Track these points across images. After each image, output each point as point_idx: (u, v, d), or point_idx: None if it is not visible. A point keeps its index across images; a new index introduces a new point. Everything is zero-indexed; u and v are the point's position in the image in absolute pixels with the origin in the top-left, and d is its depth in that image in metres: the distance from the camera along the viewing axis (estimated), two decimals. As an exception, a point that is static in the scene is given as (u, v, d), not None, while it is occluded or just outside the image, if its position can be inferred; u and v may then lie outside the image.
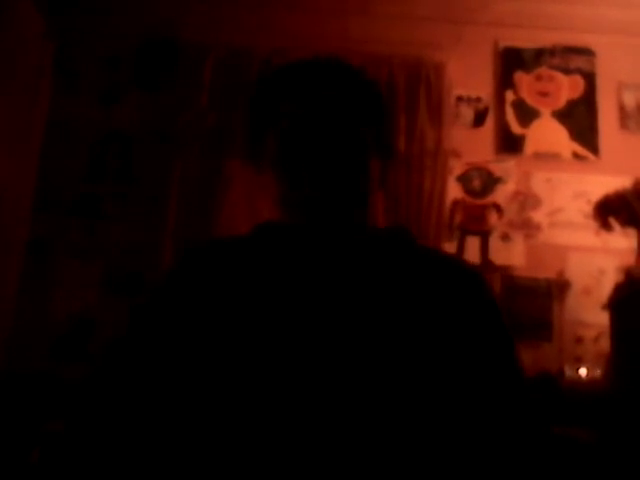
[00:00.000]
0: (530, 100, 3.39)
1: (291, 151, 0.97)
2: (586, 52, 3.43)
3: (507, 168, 3.30)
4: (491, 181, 3.28)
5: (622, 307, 2.52)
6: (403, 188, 3.14)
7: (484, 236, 3.21)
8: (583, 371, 2.75)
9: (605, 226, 2.70)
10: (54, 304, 3.08)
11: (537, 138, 3.35)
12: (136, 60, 3.38)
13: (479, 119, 3.37)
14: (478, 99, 3.38)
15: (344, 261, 0.97)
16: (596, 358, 2.93)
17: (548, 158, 3.33)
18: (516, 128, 3.36)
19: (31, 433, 2.29)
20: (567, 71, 3.43)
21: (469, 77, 3.37)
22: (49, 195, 3.19)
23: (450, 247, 3.15)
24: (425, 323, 0.93)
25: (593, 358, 2.95)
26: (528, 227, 3.23)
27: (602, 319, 2.71)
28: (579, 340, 3.06)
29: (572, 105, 3.39)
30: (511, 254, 3.18)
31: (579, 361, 2.95)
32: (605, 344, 2.75)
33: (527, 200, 3.26)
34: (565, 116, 3.37)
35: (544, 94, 3.41)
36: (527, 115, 3.37)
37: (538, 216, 3.25)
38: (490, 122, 3.36)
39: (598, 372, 2.72)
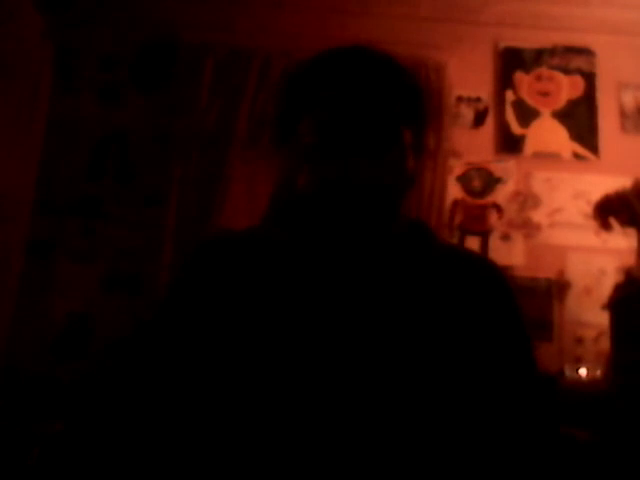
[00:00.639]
0: (530, 100, 3.39)
1: (330, 140, 0.92)
2: (586, 52, 3.43)
3: (507, 168, 3.30)
4: (491, 181, 3.28)
5: (622, 307, 2.52)
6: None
7: (484, 236, 3.21)
8: (583, 371, 2.75)
9: (605, 226, 2.70)
10: (54, 304, 3.07)
11: (537, 138, 3.34)
12: (136, 60, 3.37)
13: (479, 119, 3.37)
14: (478, 99, 3.38)
15: (365, 257, 0.96)
16: (596, 358, 2.93)
17: (548, 158, 3.33)
18: (516, 128, 3.35)
19: (30, 433, 2.29)
20: (567, 71, 3.43)
21: (469, 77, 3.37)
22: (49, 195, 3.19)
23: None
24: (442, 318, 0.92)
25: (593, 358, 2.95)
26: (528, 227, 3.23)
27: (602, 319, 2.71)
28: (579, 340, 3.06)
29: (572, 105, 3.38)
30: (511, 254, 3.18)
31: (579, 361, 2.95)
32: (605, 344, 2.75)
33: (527, 200, 3.26)
34: (565, 116, 3.37)
35: (544, 94, 3.40)
36: (527, 115, 3.37)
37: (538, 216, 3.24)
38: (490, 122, 3.36)
39: (598, 372, 2.72)
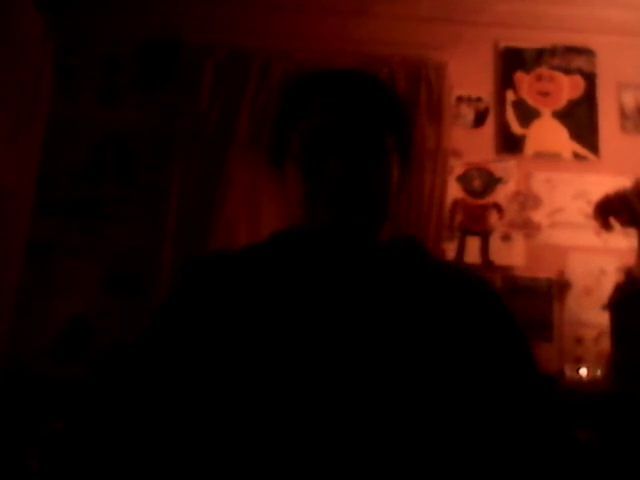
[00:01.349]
0: (530, 100, 3.39)
1: (315, 149, 0.98)
2: (586, 52, 3.43)
3: (507, 168, 3.29)
4: (491, 181, 3.28)
5: (622, 307, 2.52)
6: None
7: (484, 236, 3.21)
8: (583, 371, 2.74)
9: (605, 226, 2.70)
10: (54, 305, 3.07)
11: (537, 138, 3.34)
12: (136, 61, 3.37)
13: (479, 119, 3.37)
14: (478, 99, 3.38)
15: (358, 274, 0.98)
16: (596, 358, 2.92)
17: (548, 158, 3.32)
18: (516, 128, 3.35)
19: (31, 434, 2.29)
20: (567, 71, 3.42)
21: (469, 77, 3.37)
22: (49, 196, 3.19)
23: (450, 247, 3.15)
24: (436, 330, 0.93)
25: (593, 358, 2.95)
26: (528, 227, 3.23)
27: (602, 319, 2.71)
28: (579, 340, 3.06)
29: (572, 105, 3.38)
30: (511, 254, 3.18)
31: (579, 361, 2.95)
32: (605, 344, 2.75)
33: (527, 200, 3.26)
34: (565, 116, 3.37)
35: (544, 94, 3.40)
36: (527, 115, 3.37)
37: (538, 216, 3.24)
38: (490, 122, 3.36)
39: (598, 372, 2.72)
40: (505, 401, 0.93)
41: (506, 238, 3.21)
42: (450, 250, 3.13)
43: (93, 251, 3.13)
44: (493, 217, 3.24)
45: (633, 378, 2.31)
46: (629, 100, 3.38)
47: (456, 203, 3.25)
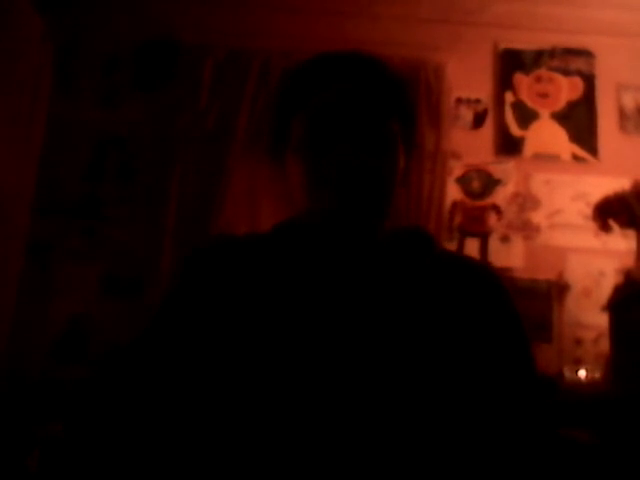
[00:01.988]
0: (529, 102, 3.39)
1: (320, 134, 0.95)
2: (585, 54, 3.43)
3: (506, 169, 3.30)
4: (490, 182, 3.28)
5: (621, 308, 2.52)
6: (402, 189, 3.14)
7: (483, 238, 3.21)
8: (582, 373, 2.75)
9: (604, 228, 2.70)
10: (54, 305, 3.07)
11: (536, 140, 3.35)
12: (136, 61, 3.38)
13: (478, 120, 3.37)
14: (477, 101, 3.38)
15: (362, 264, 0.97)
16: (596, 360, 2.93)
17: (547, 159, 3.33)
18: (515, 130, 3.36)
19: (30, 435, 2.29)
20: (566, 73, 3.43)
21: (468, 79, 3.37)
22: (49, 196, 3.18)
23: (449, 248, 3.15)
24: (439, 322, 0.92)
25: (593, 359, 2.95)
26: (527, 229, 3.23)
27: (601, 320, 2.71)
28: (578, 341, 3.06)
29: (571, 107, 3.39)
30: (510, 256, 3.18)
31: (578, 363, 2.95)
32: (605, 346, 2.75)
33: (526, 202, 3.26)
34: (564, 118, 3.37)
35: (543, 96, 3.41)
36: (526, 117, 3.37)
37: (537, 218, 3.25)
38: (489, 124, 3.37)
39: (597, 374, 2.72)
40: (494, 397, 0.92)
41: (505, 239, 3.22)
42: (449, 251, 3.13)
43: (93, 251, 3.13)
44: (492, 218, 3.24)
45: (632, 379, 2.31)
46: (628, 101, 3.39)
47: (455, 204, 3.25)
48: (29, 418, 2.49)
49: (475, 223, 3.23)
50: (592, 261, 3.16)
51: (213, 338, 0.92)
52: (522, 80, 3.42)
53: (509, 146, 3.34)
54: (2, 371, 2.85)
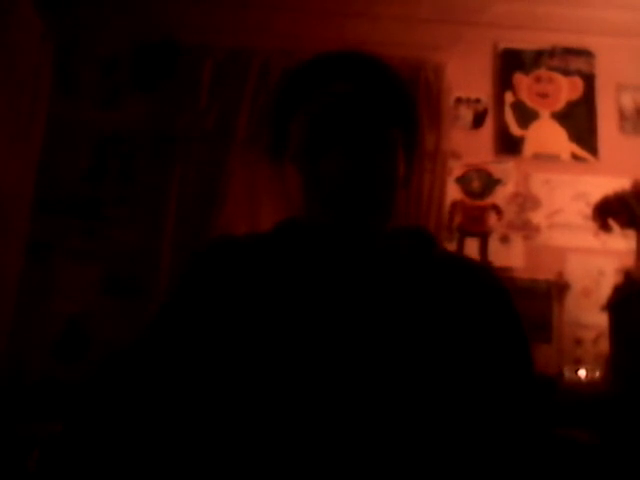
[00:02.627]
0: (529, 101, 3.39)
1: (317, 138, 0.93)
2: (585, 54, 3.43)
3: (506, 169, 3.30)
4: (490, 182, 3.28)
5: (621, 308, 2.52)
6: (402, 193, 3.14)
7: (483, 237, 3.21)
8: (582, 372, 2.75)
9: (604, 227, 2.70)
10: (54, 305, 3.07)
11: (536, 139, 3.35)
12: (135, 61, 3.38)
13: (478, 120, 3.37)
14: (477, 100, 3.38)
15: (364, 265, 0.96)
16: (595, 359, 2.93)
17: (547, 159, 3.33)
18: (515, 129, 3.36)
19: (30, 435, 2.29)
20: (566, 72, 3.43)
21: (468, 78, 3.37)
22: (49, 196, 3.18)
23: (449, 248, 3.15)
24: (439, 322, 0.92)
25: (592, 359, 2.95)
26: (527, 228, 3.23)
27: (601, 320, 2.71)
28: (578, 341, 3.06)
29: (571, 106, 3.39)
30: (510, 255, 3.18)
31: (578, 362, 2.95)
32: (604, 345, 2.75)
33: (526, 201, 3.26)
34: (564, 117, 3.37)
35: (543, 95, 3.41)
36: (526, 116, 3.37)
37: (537, 217, 3.25)
38: (489, 123, 3.37)
39: (597, 373, 2.72)
40: (492, 398, 0.92)
41: (505, 239, 3.22)
42: (449, 251, 3.13)
43: (93, 251, 3.13)
44: (492, 218, 3.24)
45: (632, 379, 2.31)
46: (628, 101, 3.39)
47: (455, 204, 3.25)
48: (29, 418, 2.49)
49: (475, 223, 3.23)
50: (592, 261, 3.16)
51: (213, 340, 0.92)
52: (522, 80, 3.42)
53: (509, 146, 3.34)
54: (2, 371, 2.85)
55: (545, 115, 3.38)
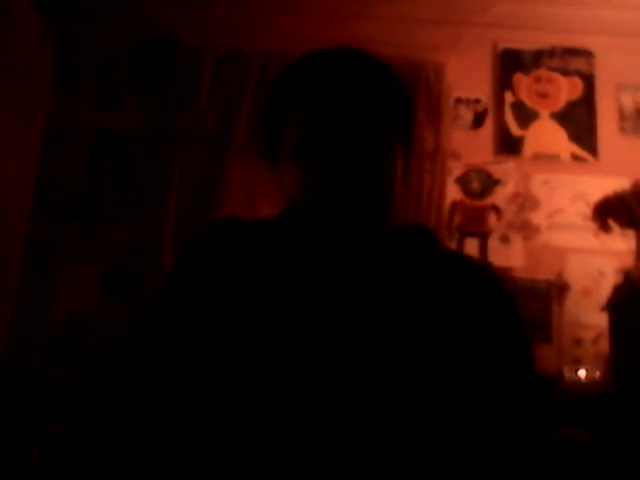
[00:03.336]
0: (529, 102, 3.39)
1: (313, 136, 0.93)
2: (585, 54, 3.43)
3: (506, 170, 3.30)
4: (490, 183, 3.28)
5: (621, 308, 2.52)
6: (402, 189, 3.14)
7: (483, 238, 3.21)
8: (582, 372, 2.75)
9: (604, 228, 2.70)
10: (53, 305, 3.07)
11: (536, 140, 3.35)
12: (135, 61, 3.38)
13: (478, 120, 3.37)
14: (477, 101, 3.38)
15: (364, 260, 0.96)
16: (595, 359, 2.93)
17: (547, 160, 3.33)
18: (515, 129, 3.36)
19: (30, 435, 2.29)
20: (566, 73, 3.43)
21: (468, 79, 3.37)
22: (48, 196, 3.18)
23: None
24: (438, 320, 0.92)
25: (592, 359, 2.95)
26: (527, 229, 3.23)
27: (601, 320, 2.71)
28: (578, 341, 3.06)
29: (571, 107, 3.39)
30: (510, 256, 3.18)
31: (578, 362, 2.95)
32: (604, 345, 2.75)
33: (526, 202, 3.26)
34: (564, 118, 3.37)
35: (543, 96, 3.41)
36: (526, 116, 3.37)
37: (537, 218, 3.25)
38: (489, 123, 3.37)
39: (597, 373, 2.72)
40: (492, 398, 0.92)
41: (505, 239, 3.22)
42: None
43: (92, 251, 3.13)
44: (492, 218, 3.24)
45: (632, 379, 2.31)
46: (628, 101, 3.39)
47: (455, 204, 3.25)
48: (29, 418, 2.49)
49: (475, 223, 3.23)
50: (592, 261, 3.16)
51: (208, 334, 0.92)
52: (522, 80, 3.42)
53: (509, 146, 3.34)
54: (2, 371, 2.85)
55: (545, 115, 3.38)
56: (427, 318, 0.92)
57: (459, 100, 3.37)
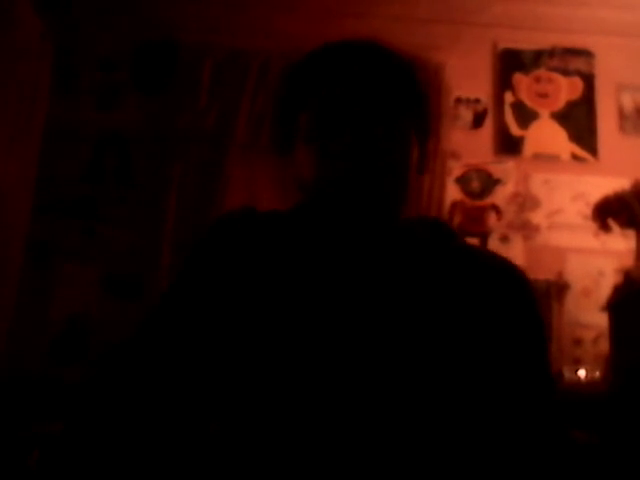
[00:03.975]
0: (529, 101, 3.39)
1: (330, 123, 0.94)
2: (585, 54, 3.43)
3: (506, 169, 3.30)
4: (490, 182, 3.28)
5: (621, 308, 2.52)
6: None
7: (483, 238, 3.21)
8: (582, 372, 2.74)
9: (604, 228, 2.69)
10: (53, 305, 3.07)
11: (536, 139, 3.35)
12: (135, 61, 3.38)
13: (478, 120, 3.37)
14: (477, 100, 3.38)
15: (381, 252, 0.95)
16: (595, 359, 2.93)
17: (547, 159, 3.33)
18: (515, 129, 3.36)
19: (30, 435, 2.28)
20: (566, 73, 3.43)
21: (468, 78, 3.37)
22: (48, 196, 3.18)
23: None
24: (450, 317, 0.91)
25: (592, 359, 2.95)
26: (527, 228, 3.23)
27: (601, 320, 2.71)
28: (578, 342, 3.06)
29: (571, 106, 3.39)
30: (510, 256, 3.13)
31: (578, 362, 2.95)
32: (604, 346, 2.75)
33: (526, 201, 3.26)
34: (564, 117, 3.37)
35: (543, 95, 3.41)
36: (526, 116, 3.37)
37: (537, 217, 3.25)
38: (489, 123, 3.37)
39: (597, 373, 2.72)
40: (504, 397, 0.91)
41: (505, 239, 3.22)
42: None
43: (92, 251, 3.13)
44: (492, 218, 3.24)
45: (632, 379, 2.31)
46: (628, 101, 3.39)
47: (455, 204, 3.25)
48: (29, 418, 2.49)
49: (475, 223, 3.23)
50: (592, 261, 3.16)
51: (215, 333, 0.91)
52: (522, 80, 3.42)
53: (509, 146, 3.34)
54: (2, 371, 2.85)
55: (545, 115, 3.38)
56: (443, 312, 0.91)
57: (459, 100, 3.37)
